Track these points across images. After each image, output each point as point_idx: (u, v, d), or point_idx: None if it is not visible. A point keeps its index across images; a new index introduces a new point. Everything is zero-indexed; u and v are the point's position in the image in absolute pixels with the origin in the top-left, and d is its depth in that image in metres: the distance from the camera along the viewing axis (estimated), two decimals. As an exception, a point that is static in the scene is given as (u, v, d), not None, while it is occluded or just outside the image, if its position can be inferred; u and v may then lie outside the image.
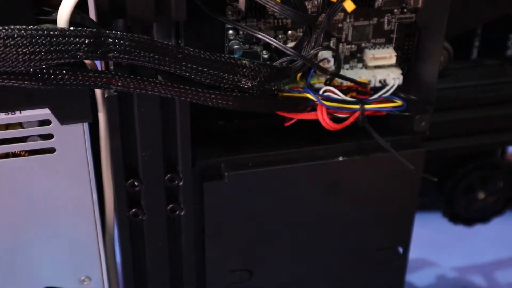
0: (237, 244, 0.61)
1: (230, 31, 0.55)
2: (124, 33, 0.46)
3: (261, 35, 0.52)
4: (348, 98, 0.55)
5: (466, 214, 0.77)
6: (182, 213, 0.58)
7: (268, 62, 0.54)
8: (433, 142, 0.68)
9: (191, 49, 0.48)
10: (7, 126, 0.52)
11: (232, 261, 0.62)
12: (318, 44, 0.53)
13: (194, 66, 0.48)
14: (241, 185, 0.57)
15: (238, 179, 0.57)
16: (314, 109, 0.55)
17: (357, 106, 0.54)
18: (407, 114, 0.58)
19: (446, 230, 0.81)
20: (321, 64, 0.56)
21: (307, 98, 0.54)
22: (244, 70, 0.50)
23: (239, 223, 0.59)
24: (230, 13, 0.54)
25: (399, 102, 0.57)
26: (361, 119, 0.55)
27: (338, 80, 0.57)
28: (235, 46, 0.55)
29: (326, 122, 0.54)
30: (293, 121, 0.56)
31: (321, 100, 0.53)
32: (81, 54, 0.45)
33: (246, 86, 0.51)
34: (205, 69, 0.49)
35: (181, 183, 0.56)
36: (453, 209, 0.76)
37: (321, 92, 0.54)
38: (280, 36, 0.56)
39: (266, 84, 0.51)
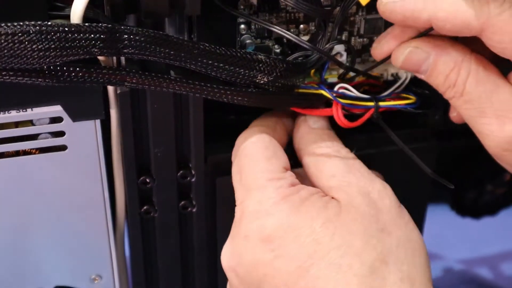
0: (249, 240, 0.60)
1: (242, 26, 0.55)
2: (140, 29, 0.45)
3: (276, 29, 0.51)
4: (362, 95, 0.54)
5: (474, 207, 0.77)
6: (194, 210, 0.57)
7: (281, 57, 0.54)
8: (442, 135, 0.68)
9: (207, 45, 0.48)
10: (17, 124, 0.51)
11: (243, 258, 0.61)
12: (333, 38, 0.52)
13: (210, 62, 0.48)
14: (253, 180, 0.57)
15: (250, 174, 0.56)
16: (328, 104, 0.54)
17: (372, 103, 0.54)
18: (420, 111, 0.57)
19: (454, 223, 0.81)
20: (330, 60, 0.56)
21: (321, 94, 0.53)
22: (260, 65, 0.49)
23: (251, 219, 0.59)
24: (242, 7, 0.53)
25: (412, 99, 0.56)
26: (375, 116, 0.54)
27: (350, 74, 0.56)
28: (247, 41, 0.54)
29: (341, 120, 0.53)
30: None
31: (336, 97, 0.53)
32: (96, 50, 0.44)
33: (262, 82, 0.50)
34: (221, 65, 0.48)
35: (193, 180, 0.56)
36: (461, 202, 0.76)
37: (335, 89, 0.54)
38: (292, 30, 0.56)
39: (282, 80, 0.51)
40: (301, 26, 0.56)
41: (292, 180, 0.49)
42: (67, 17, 0.47)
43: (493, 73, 0.48)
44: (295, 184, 0.49)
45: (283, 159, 0.51)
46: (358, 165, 0.51)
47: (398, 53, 0.50)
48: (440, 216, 0.83)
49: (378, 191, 0.49)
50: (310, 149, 0.52)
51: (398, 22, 0.48)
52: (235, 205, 0.57)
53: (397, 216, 0.49)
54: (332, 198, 0.49)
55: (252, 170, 0.50)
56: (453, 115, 0.55)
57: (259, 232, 0.48)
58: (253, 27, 0.55)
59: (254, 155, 0.51)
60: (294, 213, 0.47)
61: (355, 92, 0.54)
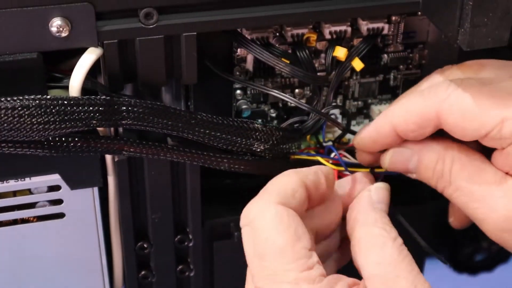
0: (247, 303, 0.60)
1: (238, 91, 0.55)
2: (137, 100, 0.46)
3: (275, 92, 0.52)
4: (358, 162, 0.54)
5: (470, 263, 0.77)
6: (191, 274, 0.57)
7: (275, 125, 0.54)
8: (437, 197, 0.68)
9: (204, 114, 0.48)
10: (15, 192, 0.51)
11: (242, 321, 0.61)
12: (328, 103, 0.53)
13: (207, 131, 0.48)
14: (251, 244, 0.57)
15: (248, 238, 0.56)
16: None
17: (367, 169, 0.54)
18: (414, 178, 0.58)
19: (450, 278, 0.81)
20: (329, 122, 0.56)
21: (318, 161, 0.53)
22: (257, 133, 0.50)
23: (249, 283, 0.59)
24: (238, 73, 0.54)
25: None
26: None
27: (346, 138, 0.57)
28: (243, 106, 0.55)
29: None
30: None
31: (333, 164, 0.53)
32: (95, 122, 0.45)
33: (258, 150, 0.50)
34: (218, 134, 0.48)
35: (191, 244, 0.56)
36: (457, 258, 0.76)
37: (332, 155, 0.54)
38: (287, 95, 0.56)
39: (278, 147, 0.51)
40: (296, 90, 0.56)
41: (322, 269, 0.44)
42: (66, 87, 0.47)
43: (476, 158, 0.49)
44: (326, 274, 0.44)
45: (306, 237, 0.44)
46: (410, 259, 0.45)
47: (383, 157, 0.52)
48: (437, 272, 0.82)
49: None
50: (365, 229, 0.47)
51: (371, 148, 0.51)
52: (233, 269, 0.58)
53: None
54: None
55: (277, 261, 0.43)
56: (451, 219, 0.55)
57: None
58: (249, 92, 0.56)
59: (276, 240, 0.43)
60: None
61: (351, 159, 0.54)
